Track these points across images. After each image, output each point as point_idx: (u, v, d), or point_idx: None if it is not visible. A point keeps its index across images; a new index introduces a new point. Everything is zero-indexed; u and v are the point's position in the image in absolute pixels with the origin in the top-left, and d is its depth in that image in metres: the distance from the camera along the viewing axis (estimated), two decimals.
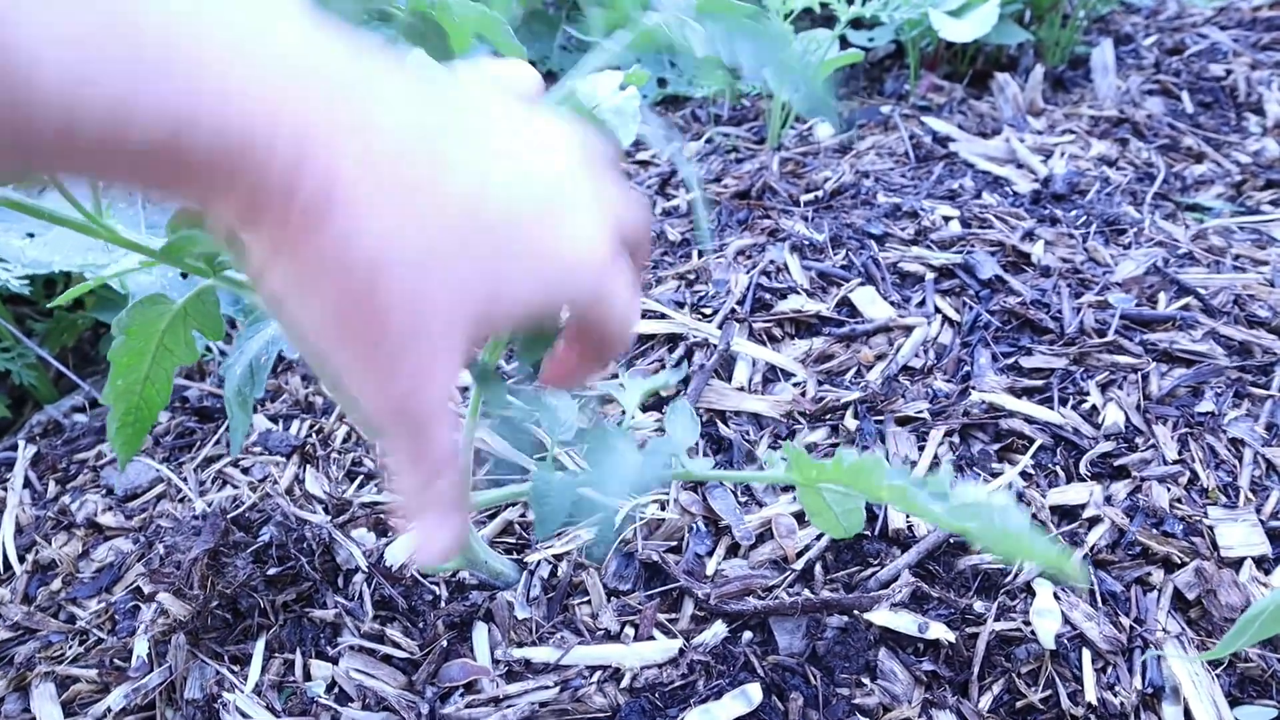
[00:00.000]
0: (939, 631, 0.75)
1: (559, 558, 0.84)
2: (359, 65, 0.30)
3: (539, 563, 0.84)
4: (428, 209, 0.31)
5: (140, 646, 0.79)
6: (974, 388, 0.96)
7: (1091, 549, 0.82)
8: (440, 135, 0.32)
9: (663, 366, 1.02)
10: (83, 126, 0.24)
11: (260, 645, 0.80)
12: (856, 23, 1.83)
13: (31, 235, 1.12)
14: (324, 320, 0.31)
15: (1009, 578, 0.79)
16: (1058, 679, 0.72)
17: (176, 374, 1.07)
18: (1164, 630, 0.76)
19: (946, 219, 1.20)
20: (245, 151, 0.26)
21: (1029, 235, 1.18)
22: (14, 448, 1.09)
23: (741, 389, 0.99)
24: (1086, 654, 0.74)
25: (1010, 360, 1.00)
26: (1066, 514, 0.85)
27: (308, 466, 0.96)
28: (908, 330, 1.04)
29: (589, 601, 0.81)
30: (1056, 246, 1.17)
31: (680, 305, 1.10)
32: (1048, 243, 1.17)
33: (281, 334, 0.70)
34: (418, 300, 0.31)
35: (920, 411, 0.94)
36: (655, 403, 0.98)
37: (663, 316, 1.08)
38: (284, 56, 0.27)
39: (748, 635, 0.77)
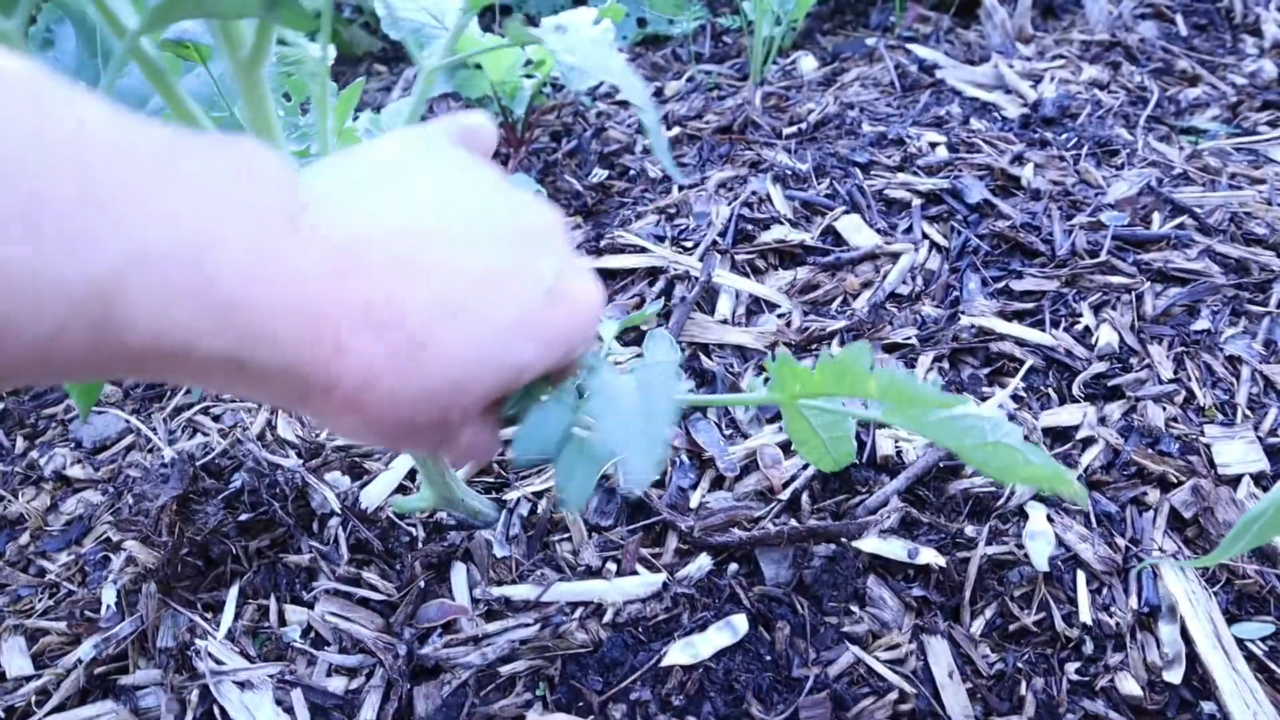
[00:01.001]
0: (929, 557, 0.73)
1: (538, 495, 0.82)
2: (354, 253, 0.34)
3: (518, 500, 0.82)
4: (453, 338, 0.36)
5: (109, 596, 0.77)
6: (963, 312, 0.94)
7: (1086, 470, 0.79)
8: (443, 294, 0.36)
9: (643, 301, 0.99)
10: (151, 360, 0.29)
11: (233, 591, 0.78)
12: None
13: None
14: (372, 439, 0.38)
15: (1001, 501, 0.76)
16: (1051, 601, 0.70)
17: None
18: (1160, 549, 0.74)
19: (933, 145, 1.17)
20: (293, 366, 0.32)
21: (1018, 159, 1.15)
22: None
23: (724, 321, 0.97)
24: (1081, 575, 0.72)
25: (1000, 284, 0.97)
26: (1060, 435, 0.83)
27: (279, 411, 0.93)
28: (894, 257, 1.01)
29: (569, 538, 0.79)
30: (1047, 169, 1.14)
31: (660, 239, 1.07)
32: (1037, 166, 1.14)
33: None
34: (451, 411, 0.37)
35: (909, 338, 0.91)
36: (636, 338, 0.96)
37: (642, 250, 1.04)
38: (305, 282, 0.32)
39: (733, 567, 0.75)
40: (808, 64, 1.53)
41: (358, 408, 0.35)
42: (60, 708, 0.72)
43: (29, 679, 0.74)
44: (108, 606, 0.78)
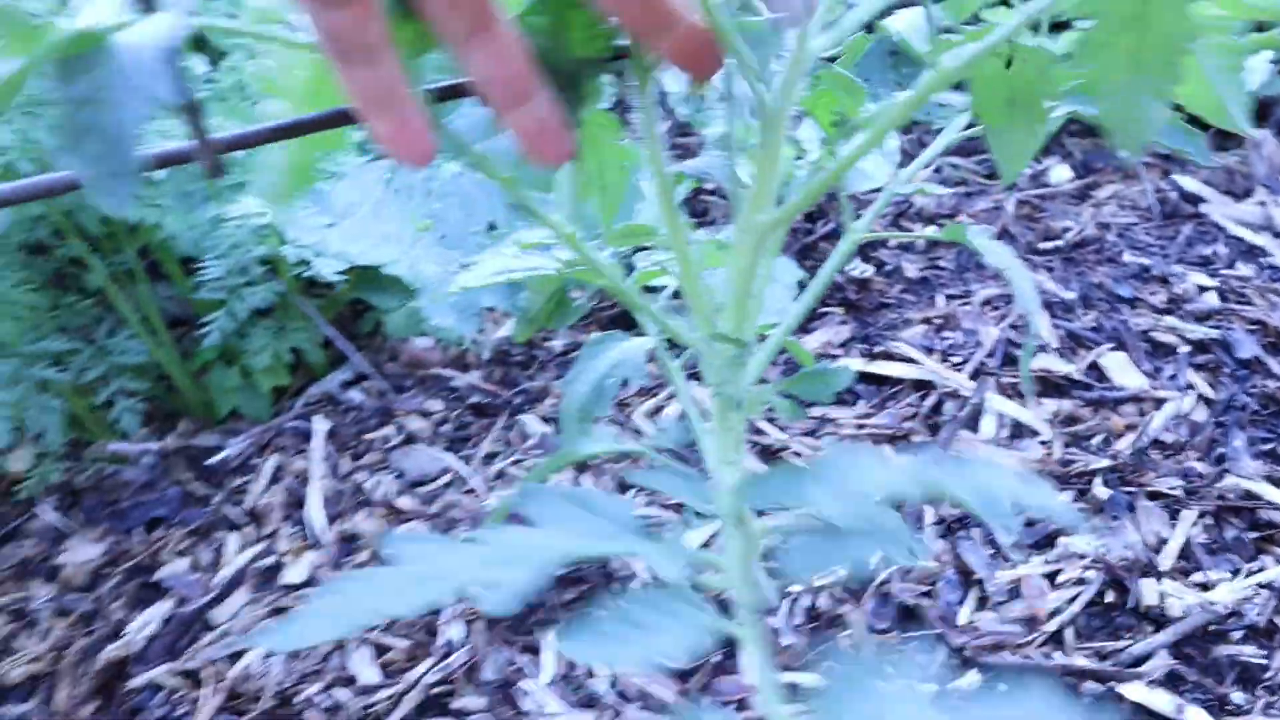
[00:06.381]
0: (1196, 717, 0.78)
1: (818, 590, 0.91)
2: None
3: (799, 594, 0.91)
4: None
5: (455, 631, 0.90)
6: (1229, 470, 0.98)
7: None
8: None
9: (915, 414, 1.07)
10: None
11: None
12: None
13: (331, 224, 1.23)
14: None
15: (1270, 674, 0.81)
16: None
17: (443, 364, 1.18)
18: None
19: (1201, 289, 1.20)
20: None
21: None
22: (304, 417, 1.22)
23: (989, 442, 1.03)
24: None
25: (1268, 446, 1.00)
26: None
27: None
28: (1159, 403, 1.05)
29: (850, 635, 0.87)
30: None
31: (929, 351, 1.14)
32: None
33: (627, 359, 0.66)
34: None
35: (1173, 488, 0.96)
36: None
37: (912, 362, 1.12)
38: None
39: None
40: (1060, 173, 1.57)
41: None
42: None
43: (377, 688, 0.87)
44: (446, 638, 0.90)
